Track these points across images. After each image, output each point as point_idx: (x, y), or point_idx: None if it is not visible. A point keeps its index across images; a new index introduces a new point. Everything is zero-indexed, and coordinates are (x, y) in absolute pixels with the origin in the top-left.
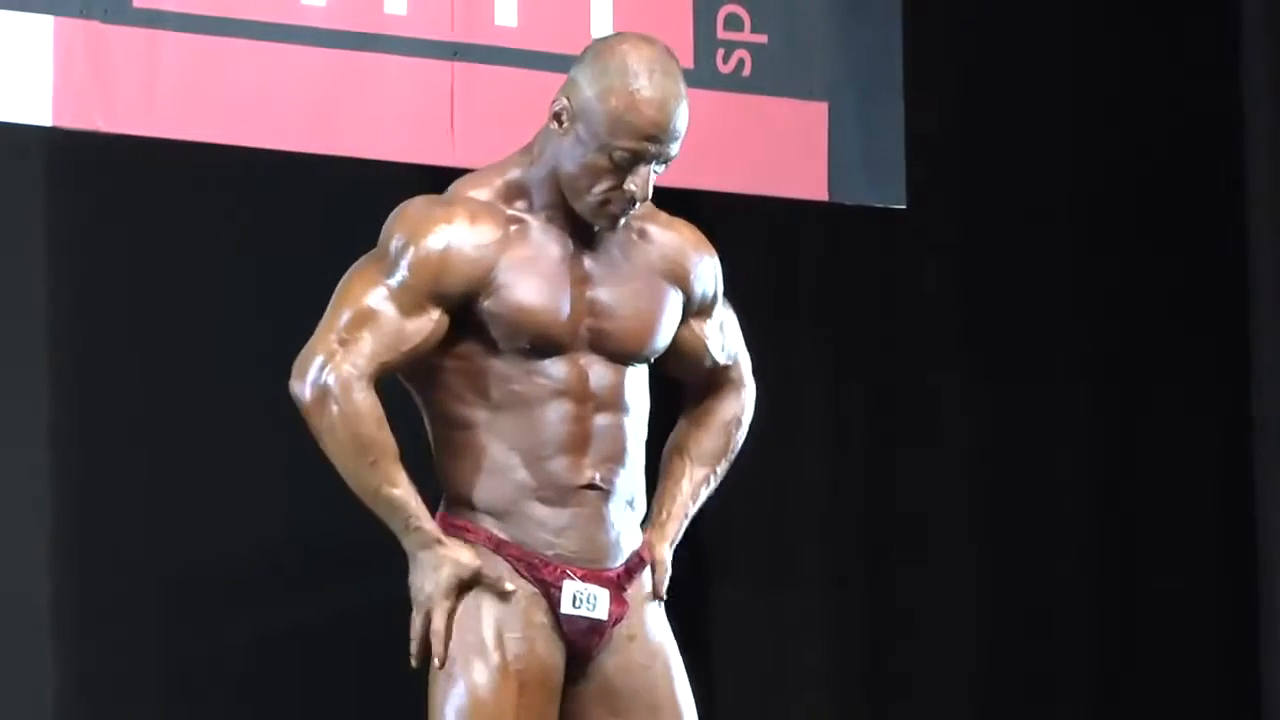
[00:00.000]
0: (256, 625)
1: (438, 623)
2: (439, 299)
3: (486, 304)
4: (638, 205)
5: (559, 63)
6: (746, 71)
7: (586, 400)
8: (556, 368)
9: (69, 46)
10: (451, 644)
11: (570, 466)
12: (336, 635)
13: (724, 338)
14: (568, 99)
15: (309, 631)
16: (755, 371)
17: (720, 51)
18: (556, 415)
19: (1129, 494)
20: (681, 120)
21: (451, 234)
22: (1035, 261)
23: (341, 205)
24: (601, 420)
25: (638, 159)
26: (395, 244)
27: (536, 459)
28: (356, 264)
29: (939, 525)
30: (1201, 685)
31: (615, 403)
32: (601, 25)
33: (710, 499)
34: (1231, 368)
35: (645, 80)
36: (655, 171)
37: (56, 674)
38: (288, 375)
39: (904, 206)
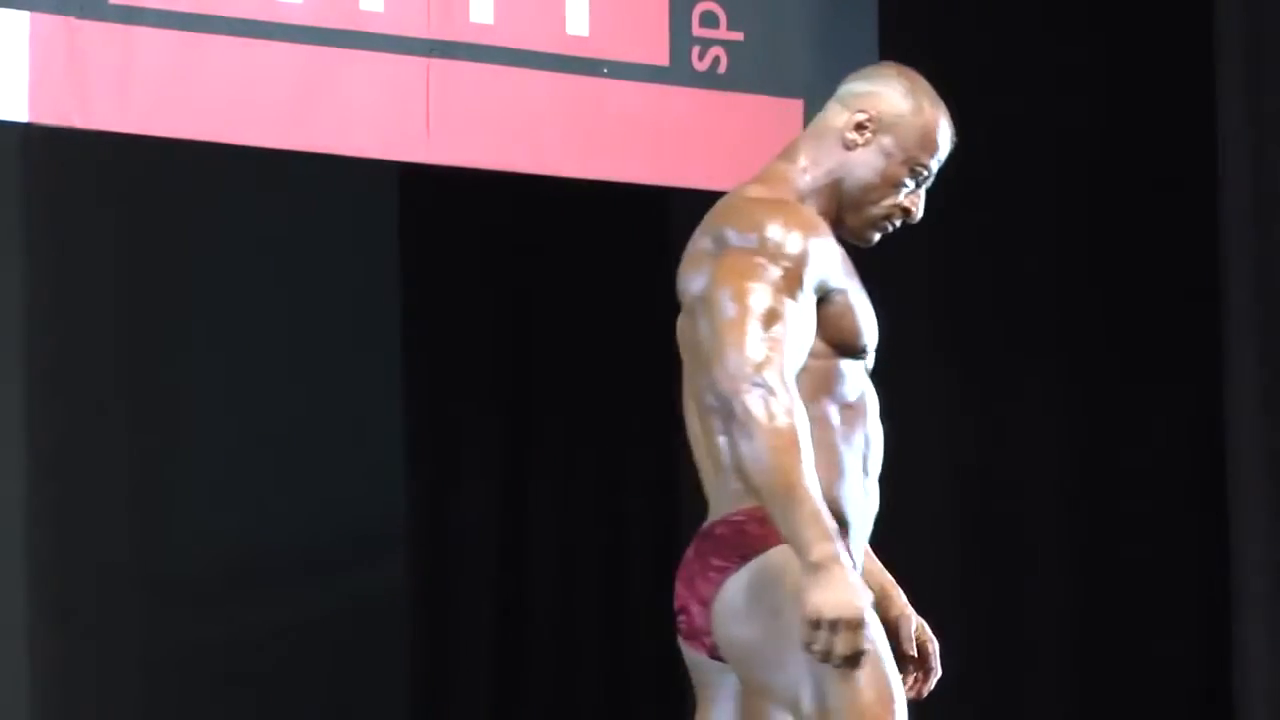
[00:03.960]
0: (236, 620)
1: (861, 645)
2: (814, 290)
3: (836, 301)
4: (904, 223)
5: (535, 60)
6: (722, 69)
7: (873, 409)
8: (863, 376)
9: (45, 43)
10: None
11: (871, 486)
12: (315, 632)
13: None
14: (871, 112)
15: (289, 627)
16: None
17: (696, 49)
18: (867, 425)
19: (1104, 488)
20: None
21: (813, 228)
22: (1009, 257)
23: (317, 201)
24: (876, 434)
25: (927, 176)
26: (771, 238)
27: (857, 469)
28: (728, 262)
29: (918, 517)
30: (1176, 673)
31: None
32: (577, 23)
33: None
34: (1203, 358)
35: (942, 106)
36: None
37: (32, 668)
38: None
39: None
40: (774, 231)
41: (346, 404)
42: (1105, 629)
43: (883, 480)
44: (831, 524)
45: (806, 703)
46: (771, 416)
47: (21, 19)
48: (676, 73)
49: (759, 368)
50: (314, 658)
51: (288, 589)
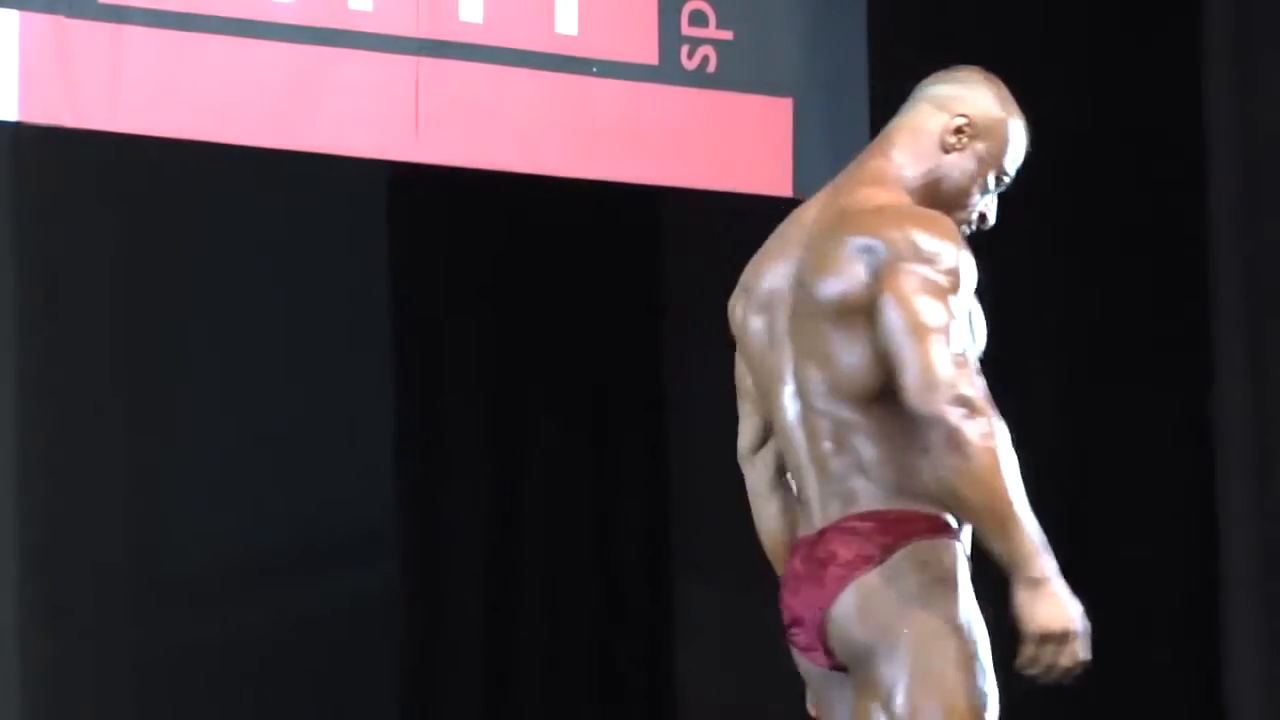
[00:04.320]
0: (228, 620)
1: (1084, 657)
2: (970, 302)
3: (974, 312)
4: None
5: (524, 59)
6: (711, 68)
7: None
8: None
9: (35, 41)
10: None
11: None
12: (306, 631)
13: None
14: (970, 117)
15: (281, 626)
16: (721, 369)
17: (685, 48)
18: None
19: (1094, 490)
20: None
21: (963, 239)
22: (997, 256)
23: (306, 201)
24: None
25: (1007, 184)
26: (934, 250)
27: None
28: (901, 276)
29: None
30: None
31: None
32: (566, 22)
33: (682, 499)
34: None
35: (1024, 119)
36: None
37: (24, 668)
38: (262, 369)
39: None
40: (934, 243)
41: (337, 403)
42: (1099, 627)
43: None
44: (1043, 539)
45: (899, 702)
46: (980, 436)
47: (11, 18)
48: (666, 72)
49: (955, 384)
50: (305, 657)
51: (279, 588)
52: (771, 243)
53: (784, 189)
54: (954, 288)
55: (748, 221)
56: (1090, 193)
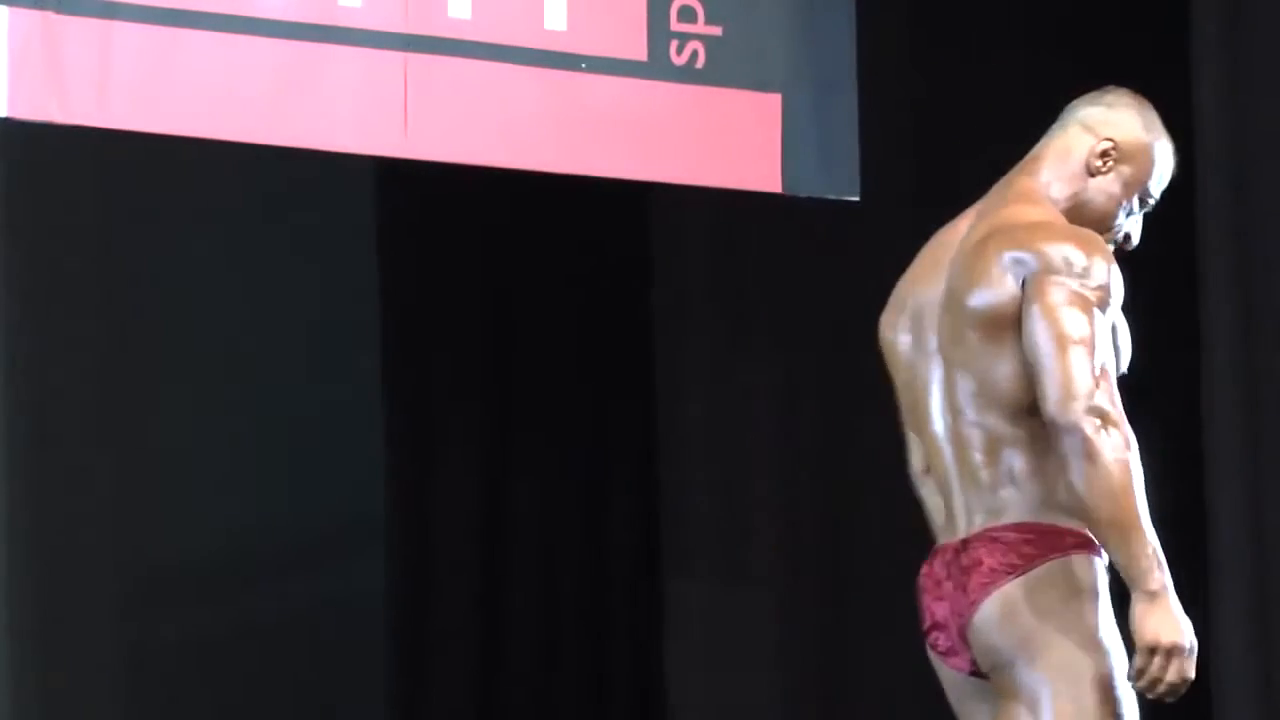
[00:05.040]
0: (216, 616)
1: (1191, 674)
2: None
3: (1119, 327)
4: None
5: (513, 55)
6: (700, 63)
7: None
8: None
9: (23, 37)
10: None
11: None
12: (295, 627)
13: None
14: (1115, 140)
15: (270, 622)
16: (710, 366)
17: (674, 43)
18: None
19: None
20: None
21: (1112, 256)
22: None
23: (295, 197)
24: None
25: (1147, 205)
26: (1084, 265)
27: None
28: (1051, 289)
29: (896, 521)
30: None
31: None
32: (555, 18)
33: (672, 498)
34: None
35: (1169, 139)
36: None
37: (12, 661)
38: (245, 367)
39: (858, 199)
40: (1086, 259)
41: (326, 399)
42: None
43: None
44: (1161, 555)
45: (1044, 710)
46: (1113, 449)
47: None
48: (654, 67)
49: (1093, 396)
50: (294, 652)
51: (268, 584)
52: (918, 262)
53: (772, 185)
54: (1101, 303)
55: (736, 218)
56: None
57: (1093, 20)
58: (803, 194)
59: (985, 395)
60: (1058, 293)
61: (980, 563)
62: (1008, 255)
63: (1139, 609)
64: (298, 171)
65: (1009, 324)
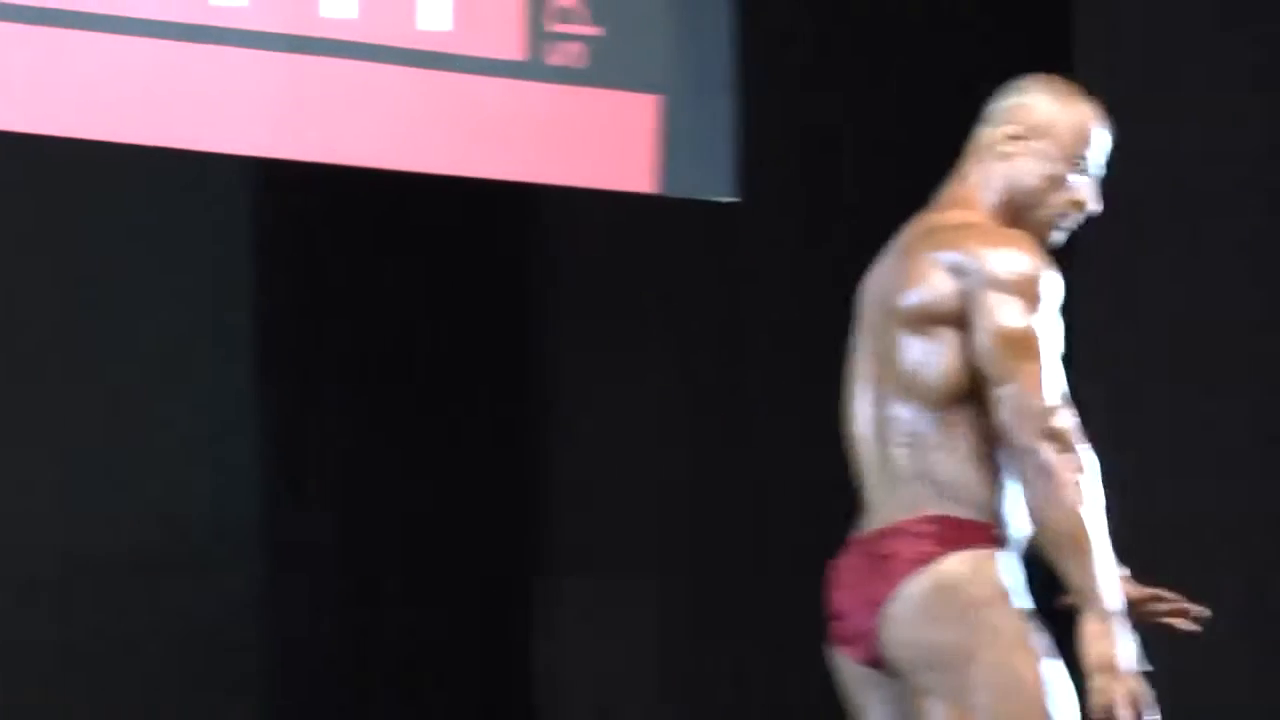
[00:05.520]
0: (81, 623)
1: (1146, 695)
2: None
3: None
4: (1082, 218)
5: (393, 55)
6: (580, 64)
7: None
8: None
9: None
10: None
11: None
12: (163, 634)
13: None
14: (1020, 124)
15: (138, 630)
16: (588, 364)
17: (553, 44)
18: None
19: None
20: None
21: (1046, 258)
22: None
23: (175, 198)
24: None
25: (1089, 170)
26: (1025, 273)
27: None
28: (994, 299)
29: (774, 515)
30: None
31: None
32: (436, 19)
33: (544, 497)
34: None
35: (1091, 102)
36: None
37: None
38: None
39: (738, 199)
40: (1022, 264)
41: (202, 401)
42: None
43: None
44: (1117, 578)
45: (962, 704)
46: (1071, 470)
47: None
48: (534, 68)
49: (1050, 418)
50: (166, 654)
51: (139, 587)
52: (875, 266)
53: (652, 186)
54: (1042, 311)
55: (614, 219)
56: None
57: (976, 18)
58: (682, 195)
59: (909, 390)
60: (1008, 310)
61: (896, 554)
62: (938, 255)
63: (1091, 629)
64: (177, 172)
65: (939, 322)
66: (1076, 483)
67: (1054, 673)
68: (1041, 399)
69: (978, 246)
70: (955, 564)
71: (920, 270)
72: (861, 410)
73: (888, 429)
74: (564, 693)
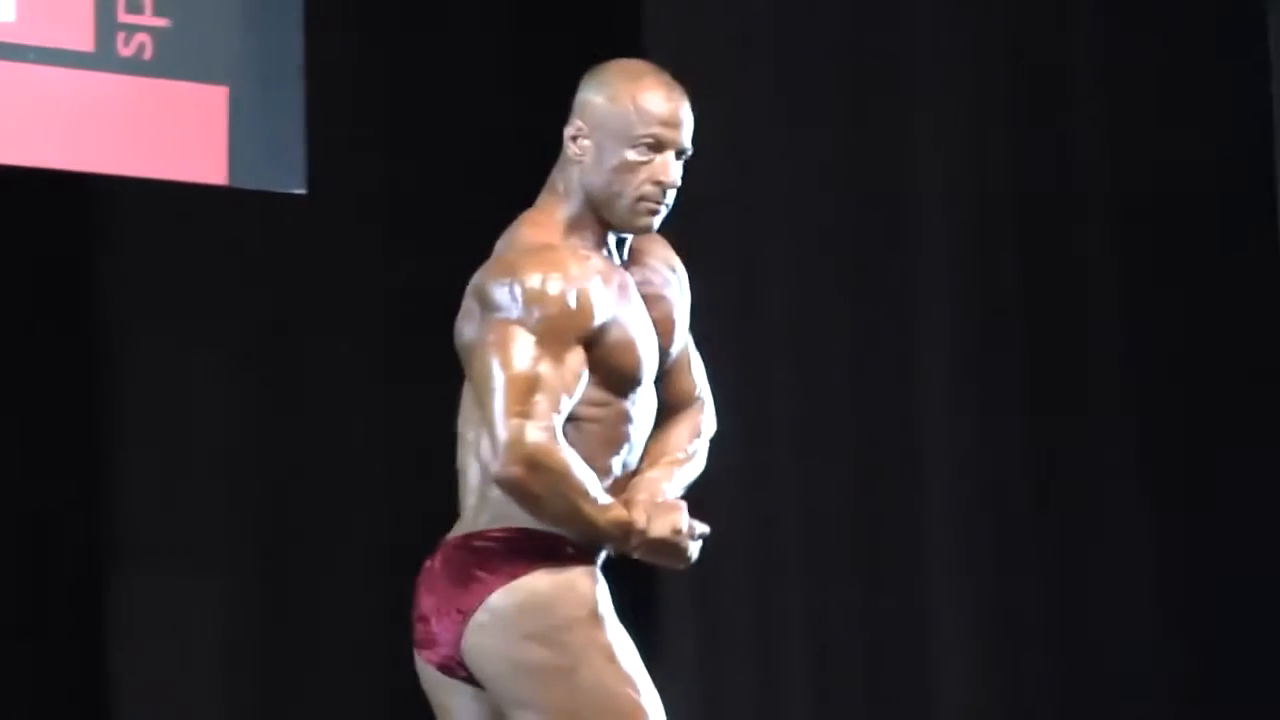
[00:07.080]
0: None
1: (683, 523)
2: (580, 337)
3: (611, 337)
4: (668, 194)
5: None
6: (148, 55)
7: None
8: (648, 401)
9: None
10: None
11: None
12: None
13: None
14: (578, 121)
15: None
16: (152, 359)
17: (121, 34)
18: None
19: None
20: (688, 110)
21: (570, 272)
22: (432, 252)
23: None
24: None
25: (660, 145)
26: (519, 295)
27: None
28: (485, 329)
29: (350, 512)
30: None
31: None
32: (2, 8)
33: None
34: None
35: (648, 77)
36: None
37: None
38: None
39: (304, 192)
40: (531, 291)
41: None
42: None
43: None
44: (624, 514)
45: (546, 712)
46: (546, 486)
47: None
48: (101, 58)
49: (515, 443)
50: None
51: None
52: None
53: (219, 178)
54: (544, 328)
55: (180, 211)
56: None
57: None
58: (250, 187)
59: (463, 410)
60: (491, 333)
61: (482, 562)
62: (475, 291)
63: (639, 528)
64: None
65: (464, 351)
66: (557, 493)
67: (645, 687)
68: (505, 427)
69: (486, 278)
70: (545, 580)
71: (468, 296)
72: (463, 410)
73: (468, 438)
74: (139, 700)
